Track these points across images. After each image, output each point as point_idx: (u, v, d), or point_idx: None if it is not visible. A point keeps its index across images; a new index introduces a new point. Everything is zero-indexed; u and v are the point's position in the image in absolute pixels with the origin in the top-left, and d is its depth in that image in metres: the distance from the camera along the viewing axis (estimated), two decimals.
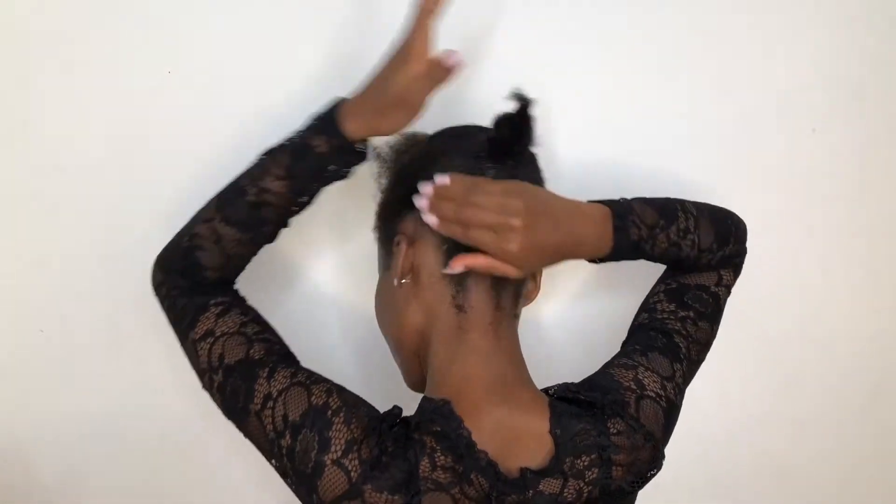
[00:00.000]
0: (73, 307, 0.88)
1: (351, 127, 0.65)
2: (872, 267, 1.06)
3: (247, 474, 1.02)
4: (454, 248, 0.63)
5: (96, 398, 0.93)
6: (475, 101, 0.88)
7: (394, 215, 0.70)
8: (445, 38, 0.85)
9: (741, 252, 0.80)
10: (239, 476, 1.01)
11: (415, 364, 0.70)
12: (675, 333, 0.73)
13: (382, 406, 0.64)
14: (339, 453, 0.57)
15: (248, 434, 0.62)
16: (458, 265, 0.62)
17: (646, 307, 0.78)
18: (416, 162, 0.69)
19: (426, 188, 0.63)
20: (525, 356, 0.69)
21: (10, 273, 0.87)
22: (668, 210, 0.73)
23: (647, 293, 0.80)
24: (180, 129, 0.84)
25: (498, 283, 0.65)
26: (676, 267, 0.77)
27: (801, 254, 1.03)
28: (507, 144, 0.65)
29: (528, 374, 0.67)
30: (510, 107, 0.65)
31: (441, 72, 0.63)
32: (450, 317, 0.64)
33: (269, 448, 0.60)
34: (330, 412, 0.59)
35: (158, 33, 0.80)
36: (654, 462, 0.66)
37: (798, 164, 0.98)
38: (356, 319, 0.95)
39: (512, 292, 0.67)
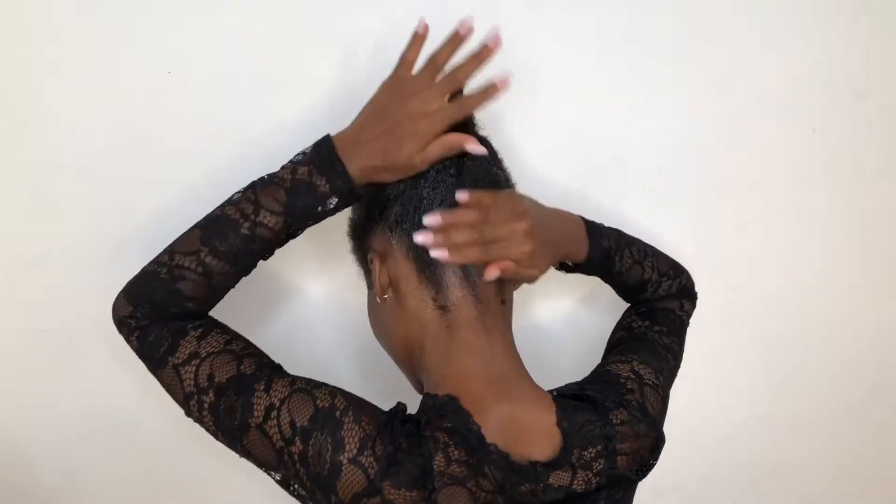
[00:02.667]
0: (73, 307, 0.88)
1: (354, 169, 0.65)
2: (872, 267, 1.06)
3: (247, 474, 1.02)
4: (422, 252, 0.65)
5: (96, 398, 0.93)
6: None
7: (363, 233, 0.70)
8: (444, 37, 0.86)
9: (694, 293, 0.88)
10: (239, 476, 1.01)
11: (411, 371, 0.71)
12: (654, 342, 0.77)
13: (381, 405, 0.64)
14: (355, 451, 0.57)
15: (246, 451, 0.61)
16: (493, 272, 0.64)
17: (621, 327, 0.82)
18: None
19: (433, 220, 0.64)
20: (526, 360, 0.69)
21: (10, 273, 0.87)
22: (624, 235, 0.81)
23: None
24: (180, 129, 0.84)
25: (470, 272, 0.66)
26: (641, 290, 0.82)
27: (801, 254, 1.03)
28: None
29: (525, 369, 0.68)
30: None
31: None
32: (436, 319, 0.65)
33: (275, 459, 0.59)
34: (338, 413, 0.58)
35: (158, 33, 0.80)
36: (655, 451, 0.67)
37: (798, 164, 0.98)
38: (349, 320, 0.95)
39: (490, 282, 0.67)
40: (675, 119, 0.93)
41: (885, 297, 1.08)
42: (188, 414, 0.64)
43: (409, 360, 0.69)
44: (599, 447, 0.62)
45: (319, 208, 0.65)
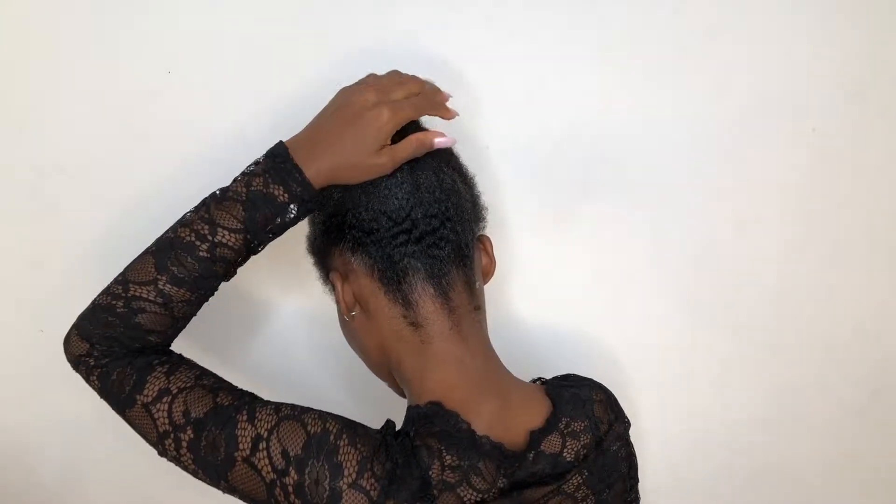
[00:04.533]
0: (73, 307, 0.88)
1: (312, 173, 0.61)
2: (872, 267, 1.06)
3: None
4: (386, 268, 0.63)
5: (96, 398, 0.93)
6: (476, 104, 0.88)
7: (323, 251, 0.68)
8: (444, 38, 0.86)
9: None
10: None
11: (390, 380, 0.70)
12: None
13: (369, 416, 0.64)
14: (354, 476, 0.55)
15: (230, 487, 0.58)
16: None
17: None
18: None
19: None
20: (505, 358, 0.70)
21: (10, 273, 0.87)
22: None
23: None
24: (180, 129, 0.84)
25: (441, 286, 0.64)
26: None
27: (801, 254, 1.03)
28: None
29: (506, 369, 0.68)
30: None
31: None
32: (409, 334, 0.64)
33: (264, 493, 0.56)
34: (332, 437, 0.56)
35: (158, 33, 0.80)
36: (628, 446, 0.69)
37: (798, 164, 0.98)
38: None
39: (462, 289, 0.65)
40: (675, 119, 0.93)
41: (886, 298, 1.08)
42: (162, 454, 0.60)
43: (387, 370, 0.68)
44: (586, 422, 0.64)
45: (279, 219, 0.61)
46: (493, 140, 0.89)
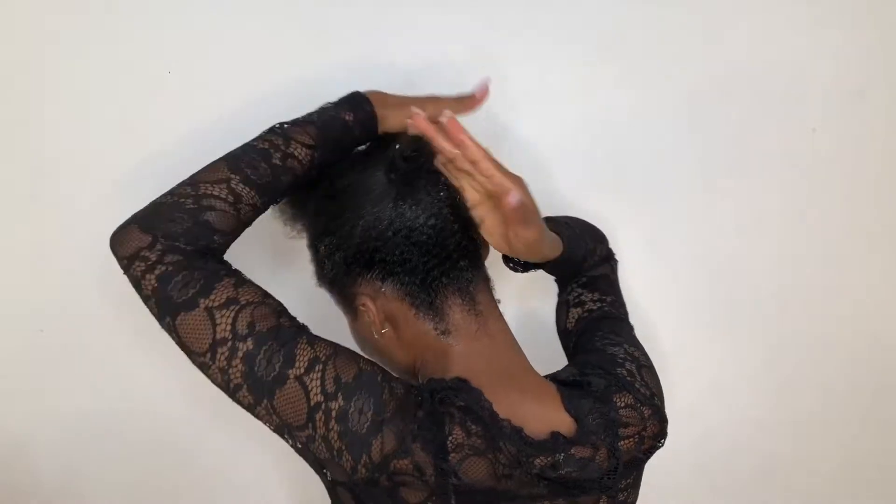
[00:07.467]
0: (73, 307, 0.88)
1: (381, 114, 0.68)
2: (872, 267, 1.06)
3: (246, 474, 1.02)
4: (419, 291, 0.65)
5: (96, 398, 0.93)
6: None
7: (346, 283, 0.68)
8: (445, 38, 0.86)
9: (614, 254, 0.86)
10: (238, 476, 1.01)
11: (415, 378, 0.70)
12: (617, 316, 0.79)
13: None
14: (390, 414, 0.57)
15: (270, 409, 0.58)
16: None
17: (572, 304, 0.80)
18: (336, 223, 0.67)
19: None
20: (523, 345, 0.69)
21: (10, 273, 0.87)
22: (551, 216, 0.80)
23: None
24: (180, 129, 0.84)
25: (468, 293, 0.66)
26: (583, 263, 0.81)
27: (801, 254, 1.03)
28: (412, 175, 0.66)
29: (528, 362, 0.69)
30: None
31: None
32: (439, 343, 0.66)
33: (303, 417, 0.57)
34: (379, 378, 0.59)
35: (158, 33, 0.80)
36: (660, 433, 0.68)
37: (798, 164, 0.98)
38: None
39: (483, 287, 0.68)
40: (674, 119, 0.93)
41: (886, 298, 1.08)
42: (205, 365, 0.59)
43: (412, 373, 0.69)
44: (603, 436, 0.64)
45: (347, 141, 0.68)
46: (492, 140, 0.89)
